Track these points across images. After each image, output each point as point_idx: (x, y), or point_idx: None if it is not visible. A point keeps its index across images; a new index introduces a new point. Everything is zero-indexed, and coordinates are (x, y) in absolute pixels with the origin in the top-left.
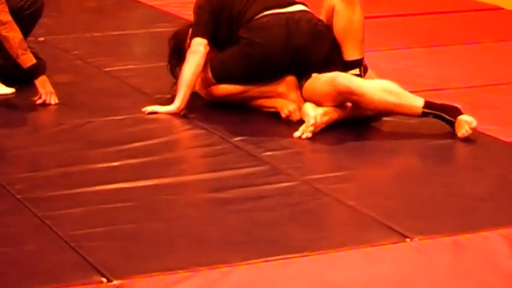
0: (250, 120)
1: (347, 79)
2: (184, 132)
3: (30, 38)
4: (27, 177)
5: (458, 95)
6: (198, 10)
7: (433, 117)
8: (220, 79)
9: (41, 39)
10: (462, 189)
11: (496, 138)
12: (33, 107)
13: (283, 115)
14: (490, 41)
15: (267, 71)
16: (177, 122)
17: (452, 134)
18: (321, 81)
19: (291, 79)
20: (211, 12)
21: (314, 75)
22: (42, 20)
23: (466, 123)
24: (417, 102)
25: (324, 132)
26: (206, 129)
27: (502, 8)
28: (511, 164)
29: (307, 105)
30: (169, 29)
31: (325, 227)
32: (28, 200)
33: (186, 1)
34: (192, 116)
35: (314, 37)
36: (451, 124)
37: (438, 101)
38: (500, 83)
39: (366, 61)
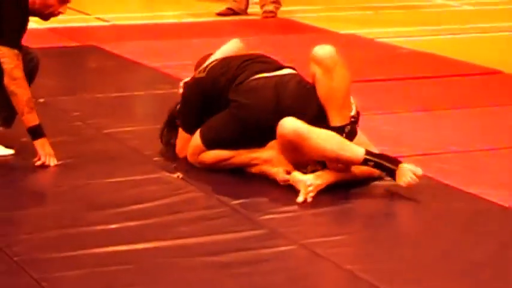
0: (249, 182)
1: (292, 122)
2: (183, 195)
3: None
4: (25, 238)
5: (457, 159)
6: (186, 98)
7: (374, 165)
8: (210, 145)
9: (42, 100)
10: (460, 253)
11: (495, 203)
12: (32, 169)
13: (279, 180)
14: (489, 105)
15: (256, 133)
16: (176, 184)
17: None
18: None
19: (275, 144)
20: (199, 100)
21: None
22: (43, 81)
23: (409, 171)
24: (359, 150)
25: (322, 195)
26: (205, 191)
27: (501, 72)
28: (510, 229)
29: (295, 173)
30: (169, 90)
31: None
32: (25, 262)
33: (186, 63)
34: (190, 178)
35: (303, 98)
36: (392, 172)
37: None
38: (500, 147)
39: (366, 124)
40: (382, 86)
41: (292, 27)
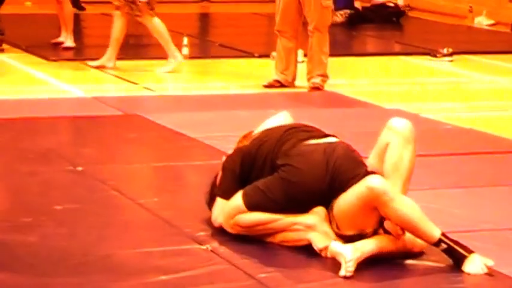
0: (277, 254)
1: (382, 179)
2: (210, 267)
3: (68, 167)
4: None
5: (491, 237)
6: (226, 167)
7: (446, 247)
8: (253, 206)
9: (80, 168)
10: None
11: None
12: (61, 238)
13: (316, 248)
14: None
15: (304, 198)
16: (204, 256)
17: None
18: (351, 191)
19: (321, 210)
20: (238, 167)
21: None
22: (83, 150)
23: (481, 260)
24: (436, 229)
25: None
26: (232, 264)
27: None
28: None
29: (334, 244)
30: (207, 162)
31: None
32: None
33: (227, 135)
34: (219, 250)
35: (351, 161)
36: (462, 259)
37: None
38: None
39: None
40: (422, 161)
41: (339, 100)
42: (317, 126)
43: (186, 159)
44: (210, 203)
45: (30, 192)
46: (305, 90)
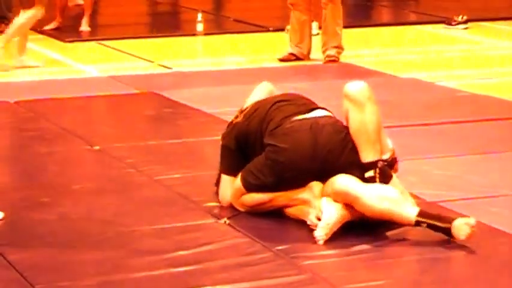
0: (294, 226)
1: (343, 181)
2: (228, 241)
3: (85, 147)
4: (66, 285)
5: (507, 202)
6: (223, 145)
7: (427, 226)
8: (250, 188)
9: (97, 147)
10: None
11: None
12: (78, 216)
13: (308, 222)
14: None
15: (293, 175)
16: (222, 230)
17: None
18: (328, 182)
19: (315, 185)
20: (234, 144)
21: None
22: (100, 128)
23: (464, 225)
24: (411, 212)
25: (367, 238)
26: (250, 237)
27: None
28: None
29: (323, 200)
30: None
31: None
32: None
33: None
34: (237, 224)
35: (340, 140)
36: (447, 231)
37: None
38: None
39: (419, 167)
40: (438, 129)
41: (354, 71)
42: (332, 99)
43: (202, 134)
44: (217, 183)
45: (48, 171)
46: (320, 62)
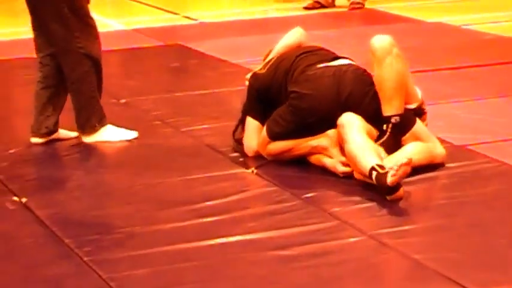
0: (322, 174)
1: (345, 122)
2: (257, 190)
3: (112, 100)
4: (95, 239)
5: None
6: (248, 90)
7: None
8: (274, 137)
9: (123, 101)
10: None
11: None
12: (106, 170)
13: (339, 172)
14: None
15: (317, 122)
16: (250, 179)
17: None
18: None
19: (332, 133)
20: (256, 95)
21: None
22: (126, 82)
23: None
24: (369, 164)
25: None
26: (278, 186)
27: None
28: None
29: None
30: None
31: (388, 282)
32: (94, 262)
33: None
34: (264, 173)
35: (362, 87)
36: (389, 190)
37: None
38: None
39: (447, 111)
40: (465, 73)
41: (379, 17)
42: (357, 46)
43: (228, 85)
44: (235, 133)
45: (73, 125)
46: (345, 9)
